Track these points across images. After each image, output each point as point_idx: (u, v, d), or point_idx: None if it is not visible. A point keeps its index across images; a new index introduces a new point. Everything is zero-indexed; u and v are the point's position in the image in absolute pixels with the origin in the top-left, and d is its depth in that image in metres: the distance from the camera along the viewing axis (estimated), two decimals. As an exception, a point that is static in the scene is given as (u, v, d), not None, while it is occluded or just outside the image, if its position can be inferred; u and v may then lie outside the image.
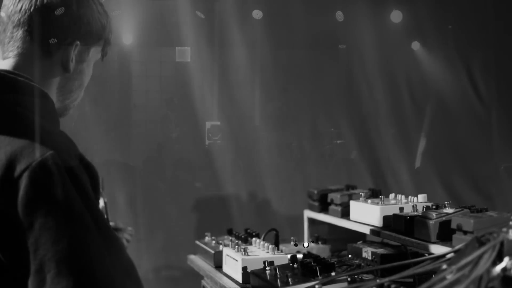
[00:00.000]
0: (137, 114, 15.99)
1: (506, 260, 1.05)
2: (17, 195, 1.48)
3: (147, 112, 16.19)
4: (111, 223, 2.45)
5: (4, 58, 1.79)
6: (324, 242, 3.13)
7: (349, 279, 1.96)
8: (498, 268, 1.05)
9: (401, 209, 2.60)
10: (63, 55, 1.80)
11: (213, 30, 14.50)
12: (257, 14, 14.31)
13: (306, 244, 3.06)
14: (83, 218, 1.50)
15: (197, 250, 3.18)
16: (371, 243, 2.76)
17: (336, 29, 14.01)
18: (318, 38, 14.33)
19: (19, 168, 1.49)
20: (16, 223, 1.47)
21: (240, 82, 15.96)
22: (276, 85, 15.02)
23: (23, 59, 1.76)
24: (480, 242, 1.13)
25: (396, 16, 14.30)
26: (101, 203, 2.21)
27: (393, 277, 1.34)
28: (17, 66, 1.76)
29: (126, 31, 14.34)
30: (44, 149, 1.53)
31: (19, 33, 1.76)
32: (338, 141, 14.78)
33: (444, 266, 1.15)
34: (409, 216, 2.41)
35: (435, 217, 2.28)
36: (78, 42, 1.81)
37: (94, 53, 1.89)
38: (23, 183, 1.48)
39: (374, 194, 2.95)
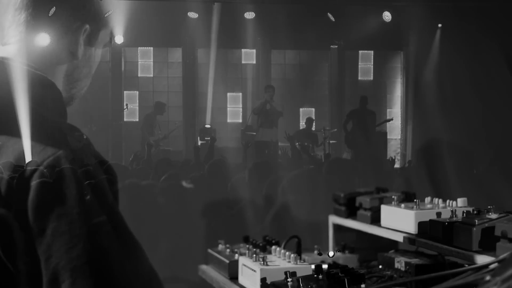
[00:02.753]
0: (129, 114, 16.44)
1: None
2: (27, 198, 1.49)
3: (140, 112, 16.64)
4: None
5: (3, 44, 1.78)
6: (352, 251, 3.14)
7: (381, 291, 1.98)
8: (548, 279, 1.06)
9: (439, 214, 2.61)
10: (71, 40, 1.79)
11: (205, 30, 15.17)
12: (249, 14, 15.16)
13: (331, 253, 3.07)
14: (100, 222, 1.51)
15: (210, 260, 3.20)
16: (404, 252, 2.77)
17: (328, 29, 14.98)
18: (311, 38, 15.21)
19: (29, 168, 1.51)
20: (26, 228, 1.49)
21: (234, 81, 16.88)
22: (263, 83, 15.72)
23: (27, 45, 1.75)
24: (527, 250, 1.15)
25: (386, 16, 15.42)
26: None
27: (431, 290, 1.36)
28: (19, 53, 1.75)
29: (118, 31, 14.76)
30: (56, 147, 1.54)
31: (22, 16, 1.75)
32: (331, 141, 15.46)
33: (488, 278, 1.16)
34: (447, 222, 2.42)
35: (477, 223, 2.29)
36: (87, 26, 1.81)
37: (103, 36, 1.88)
38: (33, 184, 1.50)
39: (408, 197, 2.95)
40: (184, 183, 5.91)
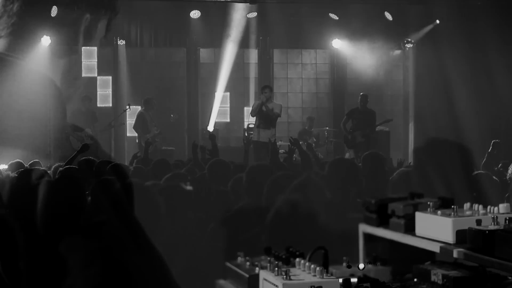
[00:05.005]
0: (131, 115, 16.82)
1: None
2: (35, 207, 1.48)
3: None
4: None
5: None
6: (384, 263, 3.15)
7: (414, 307, 1.99)
8: None
9: (479, 221, 2.61)
10: (70, 33, 1.78)
11: (206, 31, 15.96)
12: (250, 14, 16.04)
13: (361, 266, 3.08)
14: (118, 232, 1.49)
15: (228, 274, 3.22)
16: (441, 264, 2.78)
17: (330, 28, 16.13)
18: (312, 37, 16.21)
19: (36, 172, 1.51)
20: (32, 241, 1.48)
21: (236, 81, 17.93)
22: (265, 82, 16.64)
23: (20, 38, 1.73)
24: None
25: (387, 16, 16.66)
26: None
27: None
28: (12, 47, 1.74)
29: (119, 32, 15.24)
30: (60, 148, 1.55)
31: (15, 6, 1.74)
32: (333, 140, 16.26)
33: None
34: (488, 230, 2.42)
35: (520, 232, 2.30)
36: (88, 16, 1.79)
37: (101, 28, 1.87)
38: (41, 191, 1.49)
39: (445, 203, 2.95)
40: (182, 185, 5.94)
